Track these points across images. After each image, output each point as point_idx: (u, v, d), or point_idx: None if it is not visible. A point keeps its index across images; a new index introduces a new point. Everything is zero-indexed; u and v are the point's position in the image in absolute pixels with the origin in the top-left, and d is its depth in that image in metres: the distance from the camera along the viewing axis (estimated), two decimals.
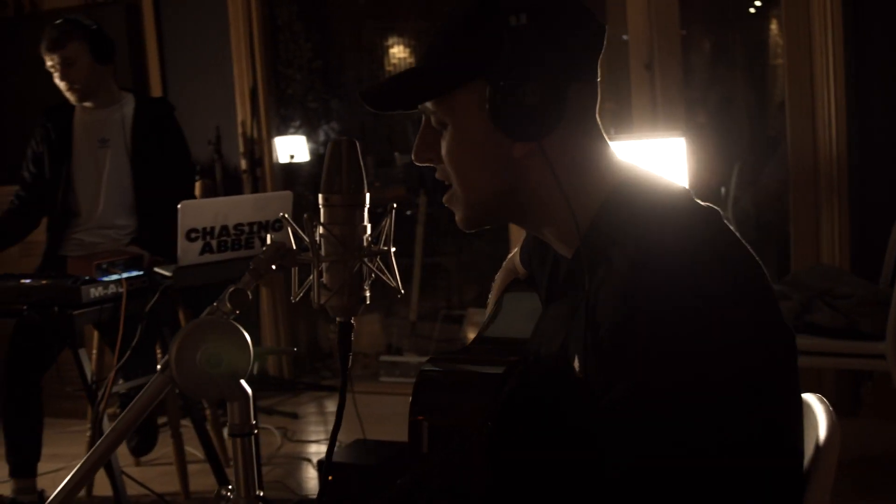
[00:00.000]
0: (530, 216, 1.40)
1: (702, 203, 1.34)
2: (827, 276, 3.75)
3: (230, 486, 1.35)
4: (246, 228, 3.30)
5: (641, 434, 1.18)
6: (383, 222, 1.32)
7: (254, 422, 1.32)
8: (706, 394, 1.17)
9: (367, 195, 1.30)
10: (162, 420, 4.26)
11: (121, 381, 3.58)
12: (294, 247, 1.33)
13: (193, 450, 4.18)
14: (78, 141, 4.01)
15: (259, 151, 5.63)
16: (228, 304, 1.29)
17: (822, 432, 1.31)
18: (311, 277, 1.31)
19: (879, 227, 4.00)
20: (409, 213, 6.18)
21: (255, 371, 5.20)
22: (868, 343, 3.48)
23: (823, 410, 1.35)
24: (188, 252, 3.18)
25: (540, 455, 1.29)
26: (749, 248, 1.31)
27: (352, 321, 1.32)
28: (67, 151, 3.99)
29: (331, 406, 5.33)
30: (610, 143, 1.40)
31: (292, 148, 6.08)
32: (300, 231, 1.31)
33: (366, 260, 1.30)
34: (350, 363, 1.35)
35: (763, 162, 6.32)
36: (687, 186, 1.38)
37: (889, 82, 4.41)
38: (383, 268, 1.33)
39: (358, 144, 1.31)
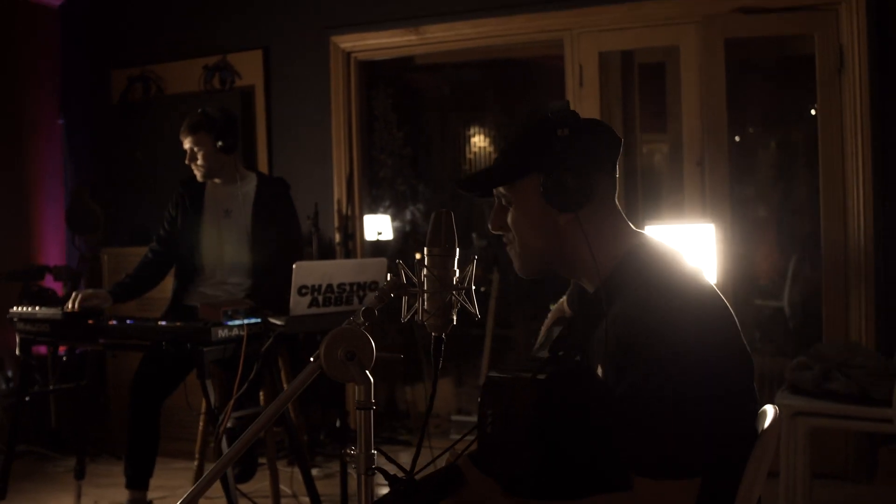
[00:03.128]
0: (568, 266, 2.02)
1: (689, 264, 1.94)
2: (844, 349, 4.23)
3: (353, 447, 1.93)
4: (347, 287, 3.89)
5: (641, 408, 1.77)
6: (467, 269, 1.92)
7: (372, 401, 1.90)
8: (685, 386, 1.76)
9: (458, 249, 1.91)
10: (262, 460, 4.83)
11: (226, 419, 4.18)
12: (405, 282, 1.93)
13: (285, 487, 4.77)
14: (207, 210, 4.55)
15: (352, 227, 6.22)
16: (361, 318, 1.89)
17: (767, 422, 1.89)
18: (416, 304, 1.91)
19: None
20: (483, 289, 6.69)
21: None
22: (878, 408, 3.93)
23: (771, 410, 1.92)
24: (298, 304, 3.77)
25: (566, 428, 1.87)
26: (721, 296, 1.91)
27: (442, 336, 1.91)
28: (198, 218, 4.53)
29: (404, 454, 5.89)
30: (626, 218, 2.02)
31: (379, 226, 6.71)
32: (411, 272, 1.92)
33: (454, 293, 1.90)
34: (440, 368, 1.94)
35: (817, 255, 6.75)
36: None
37: None
38: (466, 300, 1.93)
39: (452, 214, 1.92)
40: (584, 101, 5.61)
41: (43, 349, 5.57)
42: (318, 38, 6.28)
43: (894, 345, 4.43)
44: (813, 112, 7.82)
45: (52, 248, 6.84)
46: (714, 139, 5.27)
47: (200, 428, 4.48)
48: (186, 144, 4.48)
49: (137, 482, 4.28)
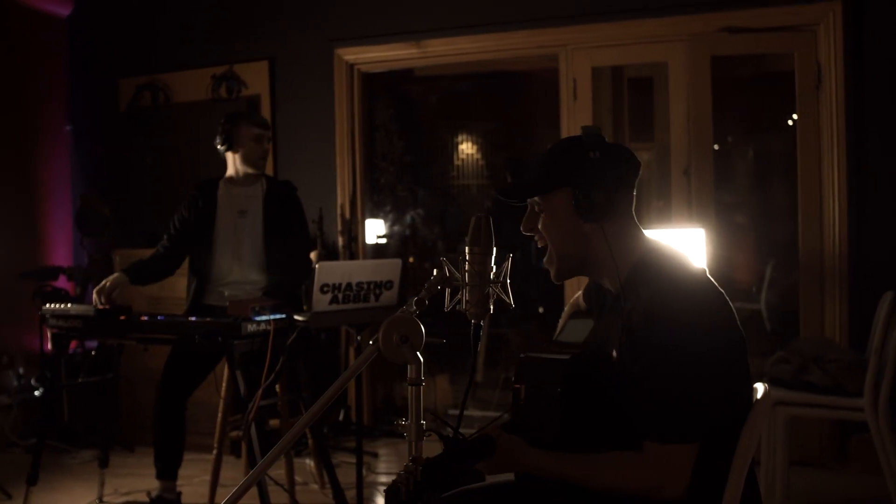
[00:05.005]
0: (593, 268, 2.36)
1: (695, 265, 2.27)
2: (820, 344, 4.60)
3: (405, 418, 2.23)
4: (365, 286, 4.19)
5: (653, 384, 2.10)
6: (504, 265, 2.23)
7: (423, 378, 2.20)
8: (691, 366, 2.09)
9: (494, 248, 2.22)
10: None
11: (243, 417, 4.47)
12: (449, 276, 2.24)
13: (297, 476, 5.08)
14: (221, 211, 4.76)
15: (354, 231, 6.53)
16: (414, 306, 2.20)
17: (759, 395, 2.22)
18: (458, 296, 2.22)
19: (871, 309, 4.79)
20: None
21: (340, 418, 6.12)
22: (850, 399, 4.30)
23: (762, 387, 2.25)
24: (320, 301, 4.06)
25: (587, 398, 2.20)
26: (723, 292, 2.24)
27: (481, 323, 2.23)
28: (212, 219, 4.75)
29: (404, 447, 6.16)
30: (641, 228, 2.35)
31: (379, 230, 7.01)
32: (453, 268, 2.23)
33: (491, 286, 2.21)
34: (481, 351, 2.25)
35: (794, 260, 7.06)
36: (702, 261, 2.33)
37: (883, 191, 5.34)
38: (501, 292, 2.24)
39: (491, 219, 2.24)
40: (578, 112, 5.95)
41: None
42: (322, 51, 6.58)
43: (866, 341, 4.76)
44: (790, 122, 8.19)
45: (60, 250, 7.10)
46: (700, 149, 5.61)
47: (219, 419, 4.76)
48: (264, 134, 4.82)
49: (167, 473, 4.58)
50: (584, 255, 2.34)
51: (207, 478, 4.83)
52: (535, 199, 2.37)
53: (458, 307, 2.22)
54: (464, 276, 2.19)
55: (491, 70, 7.70)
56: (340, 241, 6.46)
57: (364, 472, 5.52)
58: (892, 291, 4.54)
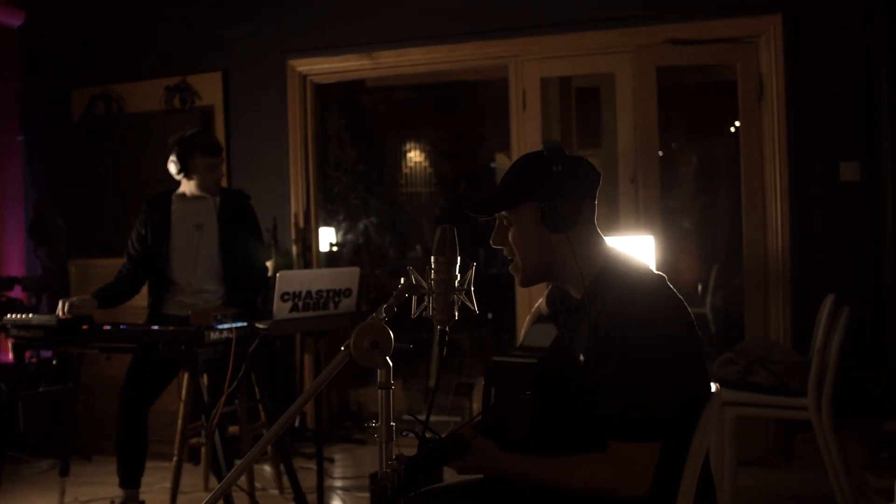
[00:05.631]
0: (558, 275, 2.47)
1: (655, 271, 2.40)
2: (765, 346, 4.76)
3: (374, 421, 2.33)
4: (324, 294, 4.29)
5: (617, 386, 2.23)
6: (468, 273, 2.34)
7: (391, 382, 2.30)
8: (654, 367, 2.22)
9: (459, 258, 2.33)
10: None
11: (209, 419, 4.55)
12: (416, 284, 2.34)
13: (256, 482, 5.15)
14: (176, 225, 4.84)
15: (309, 239, 6.62)
16: (383, 313, 2.30)
17: (714, 388, 2.35)
18: (424, 303, 2.32)
19: (813, 311, 4.95)
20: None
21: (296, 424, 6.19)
22: (794, 398, 4.47)
23: (713, 385, 2.39)
24: (281, 309, 4.15)
25: (556, 401, 2.32)
26: (681, 298, 2.37)
27: (446, 329, 2.33)
28: (167, 233, 4.82)
29: (359, 452, 6.29)
30: (603, 236, 2.48)
31: (331, 238, 7.10)
32: (420, 277, 2.34)
33: (456, 294, 2.32)
34: (444, 355, 2.36)
35: (737, 264, 7.23)
36: (653, 267, 2.46)
37: (823, 197, 5.54)
38: (465, 299, 2.35)
39: (455, 228, 2.34)
40: (528, 122, 6.09)
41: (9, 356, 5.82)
42: (275, 62, 6.67)
43: (808, 343, 4.93)
44: (732, 129, 8.40)
45: (12, 260, 7.09)
46: (646, 158, 5.77)
47: (179, 426, 4.82)
48: (218, 163, 4.89)
49: (130, 481, 4.61)
50: (551, 264, 2.45)
51: (167, 485, 4.88)
52: (503, 213, 2.48)
53: (424, 314, 2.32)
54: (430, 284, 2.28)
55: (440, 80, 7.82)
56: (295, 249, 6.54)
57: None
58: (833, 294, 4.72)
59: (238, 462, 2.30)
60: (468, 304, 2.33)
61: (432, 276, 2.29)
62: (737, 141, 5.77)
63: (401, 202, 9.34)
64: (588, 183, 2.45)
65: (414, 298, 2.35)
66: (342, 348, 2.29)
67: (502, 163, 9.62)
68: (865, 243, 5.42)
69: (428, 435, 2.36)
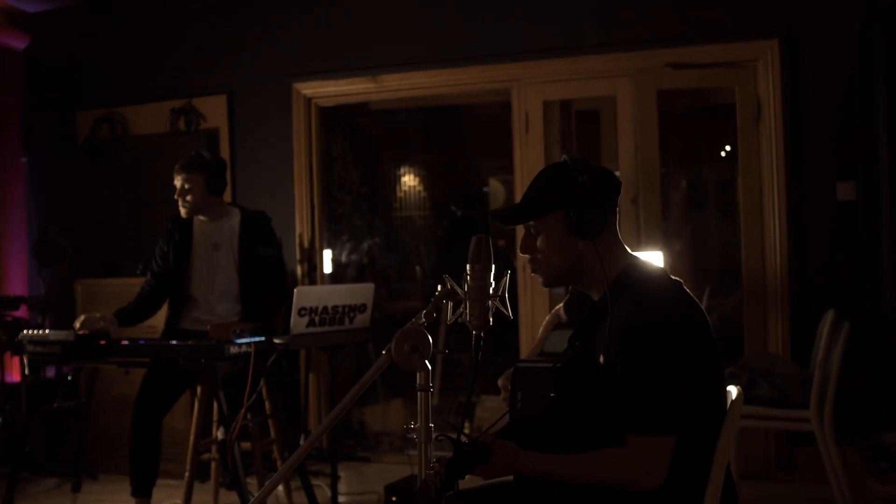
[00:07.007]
0: (582, 279, 2.59)
1: (672, 276, 2.51)
2: (767, 360, 4.89)
3: (413, 423, 2.42)
4: (340, 309, 4.38)
5: (636, 382, 2.33)
6: (502, 280, 2.44)
7: (430, 385, 2.39)
8: (670, 366, 2.33)
9: (493, 265, 2.43)
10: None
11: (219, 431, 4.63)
12: (452, 290, 2.44)
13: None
14: (197, 244, 4.90)
15: (314, 259, 6.71)
16: (423, 319, 2.40)
17: (733, 396, 2.46)
18: (460, 309, 2.42)
19: (811, 327, 5.13)
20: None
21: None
22: (797, 410, 4.59)
23: (735, 389, 2.50)
24: (298, 324, 4.25)
25: (579, 401, 2.42)
26: (696, 299, 2.48)
27: (481, 334, 2.43)
28: (188, 252, 4.88)
29: (363, 469, 6.36)
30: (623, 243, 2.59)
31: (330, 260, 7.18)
32: (455, 285, 2.44)
33: (491, 300, 2.42)
34: (480, 360, 2.46)
35: (730, 285, 7.34)
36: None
37: (820, 216, 5.67)
38: (501, 305, 2.45)
39: (490, 238, 2.45)
40: (530, 144, 6.22)
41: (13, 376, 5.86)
42: (281, 85, 6.78)
43: (807, 358, 5.06)
44: (723, 154, 8.53)
45: (15, 280, 7.15)
46: (647, 179, 5.90)
47: (191, 441, 4.87)
48: (178, 182, 4.80)
49: (142, 491, 4.66)
50: (576, 269, 2.56)
51: (177, 501, 4.93)
52: (531, 222, 2.59)
53: (460, 320, 2.42)
54: (465, 291, 2.38)
55: (439, 104, 7.94)
56: (300, 269, 6.62)
57: (328, 493, 5.68)
58: (833, 309, 4.85)
59: (281, 467, 2.39)
60: (503, 309, 2.42)
61: (468, 284, 2.38)
62: (728, 165, 5.90)
63: (395, 225, 9.43)
64: (611, 191, 2.57)
65: (450, 305, 2.45)
66: (383, 352, 2.38)
67: (495, 188, 9.74)
68: (862, 260, 5.54)
69: (463, 438, 2.43)
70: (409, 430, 2.39)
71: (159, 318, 5.01)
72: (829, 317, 4.80)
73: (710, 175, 8.79)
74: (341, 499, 5.61)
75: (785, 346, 5.63)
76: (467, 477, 2.33)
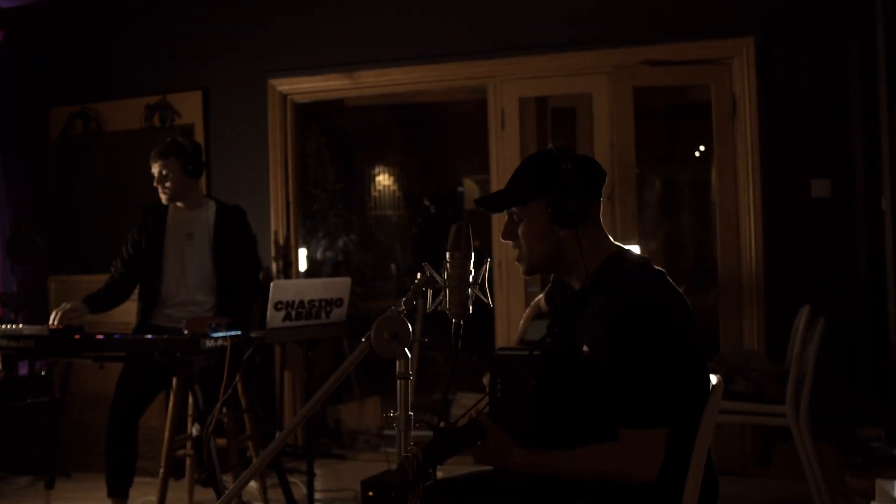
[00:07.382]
0: (563, 268, 2.58)
1: (655, 266, 2.51)
2: (743, 356, 4.90)
3: (392, 411, 2.41)
4: (316, 303, 4.36)
5: (626, 375, 2.32)
6: (482, 268, 2.44)
7: (410, 372, 2.39)
8: (659, 357, 2.32)
9: (473, 253, 2.42)
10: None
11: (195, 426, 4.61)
12: (432, 278, 2.43)
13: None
14: (169, 234, 4.87)
15: (289, 256, 6.68)
16: (403, 306, 2.39)
17: (714, 381, 2.46)
18: (440, 297, 2.41)
19: (786, 323, 5.15)
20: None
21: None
22: (772, 405, 4.60)
23: (714, 376, 2.50)
24: (274, 318, 4.22)
25: (560, 391, 2.42)
26: (678, 289, 2.48)
27: (461, 322, 2.42)
28: (161, 242, 4.86)
29: (339, 467, 6.34)
30: (606, 233, 2.59)
31: (305, 258, 7.16)
32: (435, 273, 2.43)
33: (471, 288, 2.41)
34: (459, 347, 2.45)
35: (706, 285, 7.36)
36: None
37: (795, 212, 5.70)
38: (479, 294, 2.44)
39: (469, 226, 2.44)
40: (506, 141, 6.22)
41: None
42: (256, 81, 6.75)
43: (782, 353, 5.08)
44: (697, 154, 8.58)
45: None
46: (623, 176, 5.92)
47: (166, 438, 4.83)
48: (156, 169, 4.80)
49: (119, 491, 4.62)
50: (558, 257, 2.55)
51: (152, 498, 4.89)
52: (514, 209, 2.58)
53: (439, 308, 2.41)
54: (445, 279, 2.37)
55: (420, 101, 7.93)
56: (275, 267, 6.59)
57: (305, 490, 5.66)
58: (808, 305, 4.87)
59: (256, 461, 2.37)
60: (482, 297, 2.42)
61: (447, 272, 2.37)
62: (704, 163, 5.93)
63: (371, 224, 9.41)
64: (595, 181, 2.56)
65: (429, 293, 2.44)
66: (363, 339, 2.37)
67: (469, 188, 9.74)
68: (837, 257, 5.57)
69: (441, 424, 2.42)
70: (388, 419, 2.37)
71: (132, 315, 4.97)
72: (804, 312, 4.82)
73: (685, 172, 8.83)
74: (318, 496, 5.58)
75: (761, 342, 5.65)
76: (446, 464, 2.31)
